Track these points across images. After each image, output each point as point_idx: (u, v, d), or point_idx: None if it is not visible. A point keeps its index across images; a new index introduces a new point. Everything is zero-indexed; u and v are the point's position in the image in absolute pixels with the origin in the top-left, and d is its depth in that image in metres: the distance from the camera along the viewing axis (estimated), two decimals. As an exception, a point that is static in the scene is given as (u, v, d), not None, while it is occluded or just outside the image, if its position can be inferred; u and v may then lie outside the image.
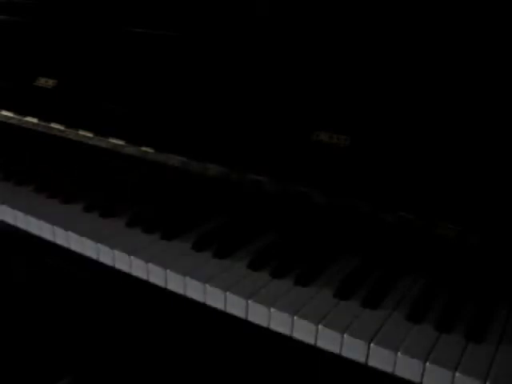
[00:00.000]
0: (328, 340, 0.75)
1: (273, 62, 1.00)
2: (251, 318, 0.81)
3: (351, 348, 0.74)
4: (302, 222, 0.97)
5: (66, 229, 1.00)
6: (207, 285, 0.84)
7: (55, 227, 1.01)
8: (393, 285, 0.85)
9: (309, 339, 0.77)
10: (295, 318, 0.77)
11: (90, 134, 1.13)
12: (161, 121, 1.08)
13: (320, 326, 0.75)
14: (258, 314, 0.80)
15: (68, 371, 1.21)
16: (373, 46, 0.92)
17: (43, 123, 1.20)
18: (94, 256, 0.97)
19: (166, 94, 1.10)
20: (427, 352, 0.71)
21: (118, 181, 1.17)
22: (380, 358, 0.72)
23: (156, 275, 0.89)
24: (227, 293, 0.82)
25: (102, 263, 0.96)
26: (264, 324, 0.80)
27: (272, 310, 0.79)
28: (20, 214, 1.07)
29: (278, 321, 0.79)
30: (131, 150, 1.08)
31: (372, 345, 0.72)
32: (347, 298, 0.81)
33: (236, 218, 1.03)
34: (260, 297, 0.81)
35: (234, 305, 0.82)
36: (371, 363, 0.73)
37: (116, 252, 0.93)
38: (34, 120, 1.21)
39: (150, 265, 0.89)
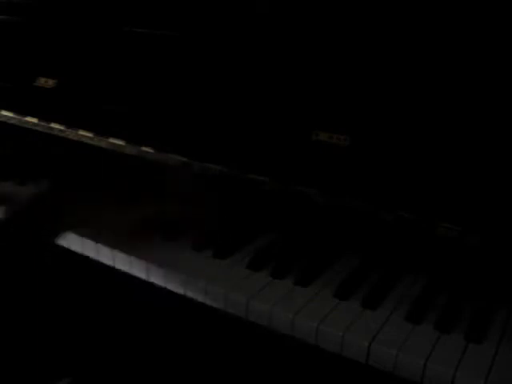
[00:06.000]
0: (328, 340, 0.75)
1: (273, 61, 1.00)
2: (251, 319, 0.81)
3: (352, 348, 0.74)
4: (302, 222, 0.97)
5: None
6: (208, 285, 0.84)
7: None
8: (393, 285, 0.85)
9: (309, 339, 0.77)
10: (296, 318, 0.77)
11: (90, 134, 1.13)
12: (162, 120, 1.08)
13: (321, 327, 0.76)
14: (259, 315, 0.80)
15: (68, 372, 1.21)
16: (373, 46, 0.92)
17: (43, 123, 1.20)
18: (94, 254, 0.97)
19: (168, 94, 1.10)
20: (427, 352, 0.71)
21: (117, 181, 1.16)
22: (380, 358, 0.72)
23: (156, 275, 0.89)
24: (228, 293, 0.82)
25: (101, 263, 0.96)
26: (264, 324, 0.80)
27: (272, 310, 0.79)
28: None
29: (278, 321, 0.79)
30: (131, 149, 1.08)
31: (372, 345, 0.72)
32: (347, 298, 0.81)
33: (235, 217, 1.02)
34: (260, 297, 0.81)
35: (234, 305, 0.82)
36: (371, 363, 0.73)
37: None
38: (34, 120, 1.21)
39: (151, 265, 0.89)
